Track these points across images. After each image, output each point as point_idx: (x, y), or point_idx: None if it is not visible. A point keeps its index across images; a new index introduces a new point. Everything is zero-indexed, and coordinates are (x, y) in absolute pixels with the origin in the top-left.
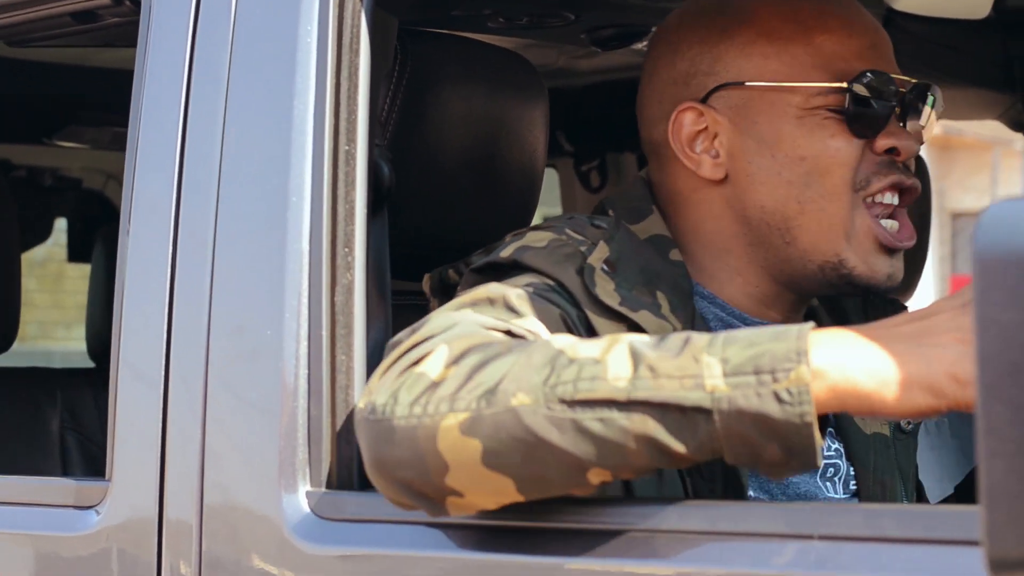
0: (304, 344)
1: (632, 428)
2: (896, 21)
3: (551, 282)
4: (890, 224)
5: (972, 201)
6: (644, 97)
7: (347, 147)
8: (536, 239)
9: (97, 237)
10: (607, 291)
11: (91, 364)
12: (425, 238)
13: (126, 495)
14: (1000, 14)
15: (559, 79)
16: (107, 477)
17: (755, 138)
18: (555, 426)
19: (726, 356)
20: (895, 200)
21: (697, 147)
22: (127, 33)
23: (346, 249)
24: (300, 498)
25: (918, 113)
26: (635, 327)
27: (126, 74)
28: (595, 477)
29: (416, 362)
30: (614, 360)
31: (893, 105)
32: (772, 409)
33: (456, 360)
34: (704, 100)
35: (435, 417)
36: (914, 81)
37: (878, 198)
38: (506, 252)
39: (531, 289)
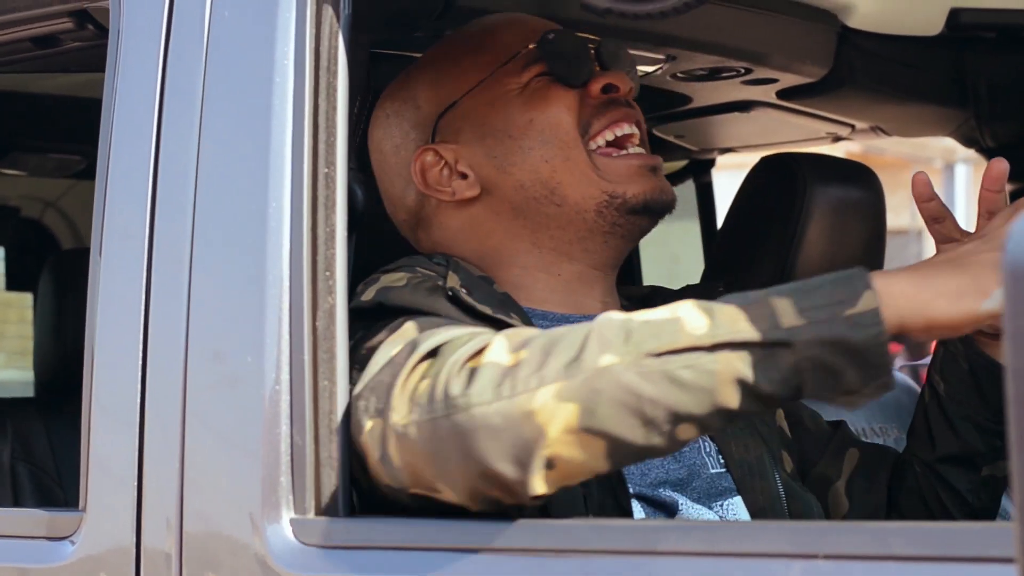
0: (286, 370)
1: (719, 370)
2: (850, 38)
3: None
4: (633, 150)
5: (892, 219)
6: (383, 183)
7: (326, 169)
8: (393, 280)
9: (45, 266)
10: (478, 306)
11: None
12: (384, 263)
13: (102, 525)
14: (952, 31)
15: None
16: (81, 507)
17: (490, 135)
18: (646, 379)
19: (794, 297)
20: (631, 130)
21: (445, 181)
22: (89, 57)
23: (327, 273)
24: (284, 526)
25: (619, 60)
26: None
27: (71, 101)
28: (684, 432)
29: (471, 357)
30: (687, 315)
31: (588, 52)
32: (849, 334)
33: (521, 346)
34: (432, 140)
35: (527, 392)
36: (596, 38)
37: (607, 135)
38: (368, 296)
39: (426, 320)
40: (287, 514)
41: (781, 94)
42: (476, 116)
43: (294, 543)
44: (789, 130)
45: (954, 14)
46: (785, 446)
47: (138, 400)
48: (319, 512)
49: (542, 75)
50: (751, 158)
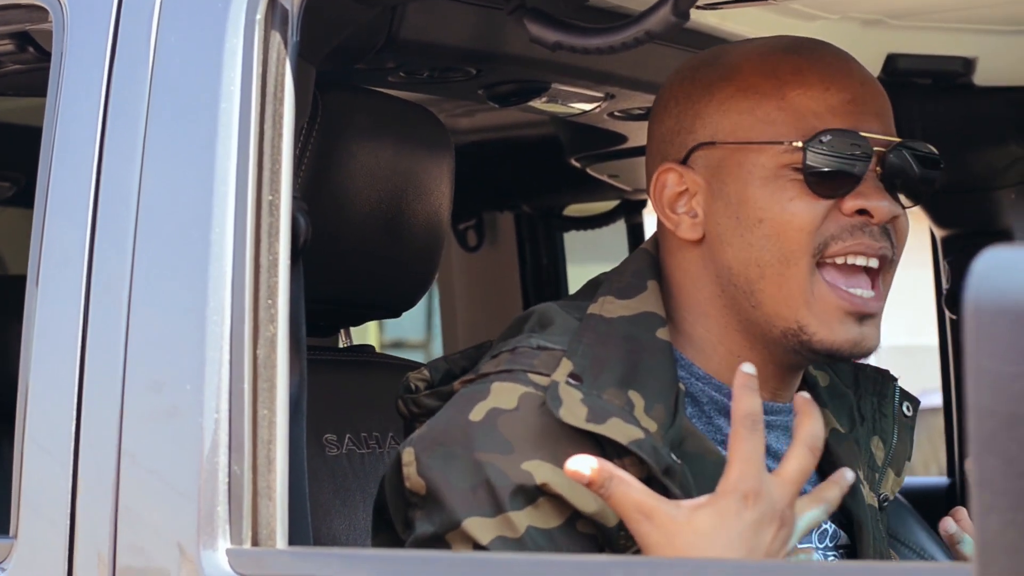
0: (225, 399)
1: None
2: None
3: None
4: (858, 290)
5: None
6: (647, 155)
7: (270, 197)
8: (504, 398)
9: None
10: (571, 409)
11: None
12: (330, 292)
13: (32, 553)
14: (890, 76)
15: None
16: (12, 534)
17: (724, 199)
18: None
19: None
20: (869, 263)
21: (679, 208)
22: (29, 81)
23: (269, 301)
24: (220, 556)
25: (904, 173)
26: (605, 441)
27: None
28: None
29: None
30: None
31: (865, 164)
32: None
33: None
34: (685, 160)
35: None
36: (898, 140)
37: (839, 260)
38: (475, 411)
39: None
40: (223, 544)
41: None
42: (723, 170)
43: (230, 574)
44: None
45: (891, 59)
46: None
47: (73, 429)
48: (256, 543)
49: (796, 170)
50: None
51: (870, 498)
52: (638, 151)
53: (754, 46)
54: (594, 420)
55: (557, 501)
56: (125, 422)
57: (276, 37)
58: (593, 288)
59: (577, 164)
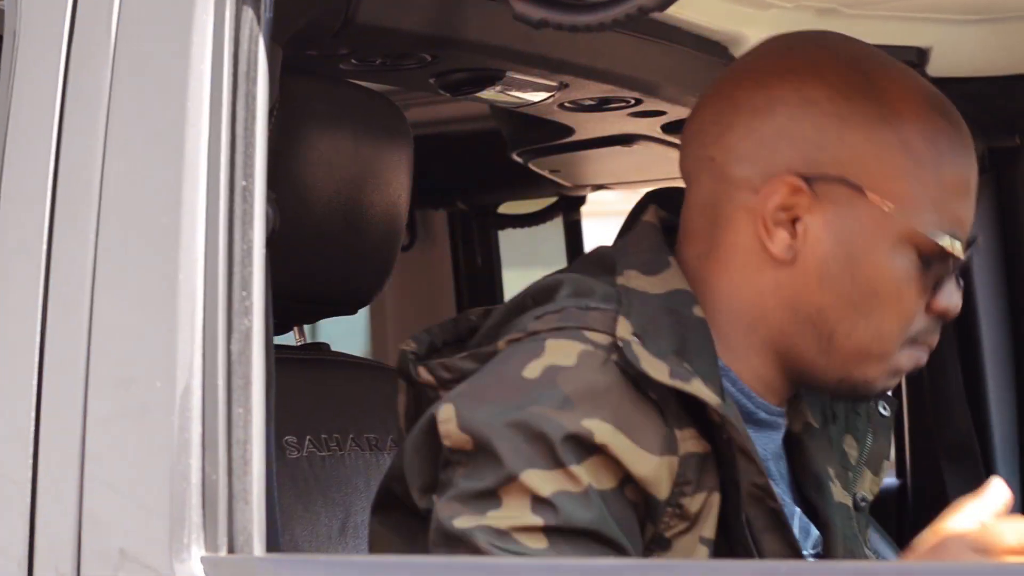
0: (197, 397)
1: None
2: None
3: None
4: (923, 353)
5: None
6: (742, 128)
7: (244, 183)
8: (562, 355)
9: None
10: (653, 365)
11: None
12: (285, 287)
13: None
14: None
15: None
16: None
17: (845, 248)
18: None
19: None
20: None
21: (778, 218)
22: None
23: (244, 292)
24: (194, 564)
25: (967, 271)
26: (670, 405)
27: None
28: None
29: None
30: None
31: (959, 266)
32: None
33: None
34: (810, 180)
35: None
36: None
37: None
38: (533, 367)
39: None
40: (197, 552)
41: (666, 128)
42: (854, 218)
43: None
44: (668, 167)
45: None
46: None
47: (31, 430)
48: (232, 550)
49: (919, 255)
50: (618, 206)
51: (841, 496)
52: (584, 144)
53: (908, 89)
54: (679, 378)
55: (613, 463)
56: (89, 423)
57: (248, 13)
58: (598, 262)
59: (519, 159)
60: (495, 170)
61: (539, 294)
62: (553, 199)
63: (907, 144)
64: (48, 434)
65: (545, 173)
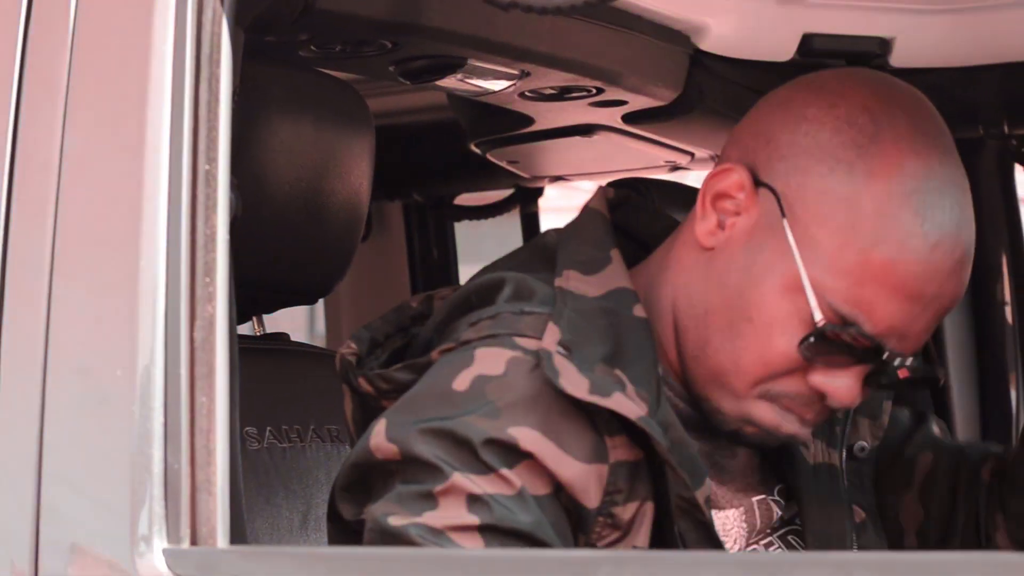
0: (159, 385)
1: None
2: (702, 61)
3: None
4: (788, 419)
5: None
6: (747, 119)
7: (207, 166)
8: (489, 364)
9: None
10: (571, 380)
11: None
12: (245, 275)
13: None
14: (804, 56)
15: None
16: None
17: (750, 260)
18: None
19: None
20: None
21: (716, 205)
22: None
23: (207, 279)
24: (156, 557)
25: (887, 373)
26: (599, 417)
27: None
28: None
29: None
30: None
31: (857, 355)
32: None
33: None
34: (757, 183)
35: None
36: (913, 365)
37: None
38: (461, 387)
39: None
40: (160, 544)
41: (627, 118)
42: (770, 235)
43: None
44: (627, 157)
45: (807, 40)
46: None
47: None
48: (195, 541)
49: (813, 323)
50: (572, 200)
51: (824, 457)
52: (543, 135)
53: (905, 163)
54: (598, 393)
55: (542, 470)
56: (47, 412)
57: None
58: (541, 254)
59: (477, 149)
60: (451, 161)
61: (482, 292)
62: (510, 191)
63: (855, 203)
64: (3, 423)
65: (503, 164)
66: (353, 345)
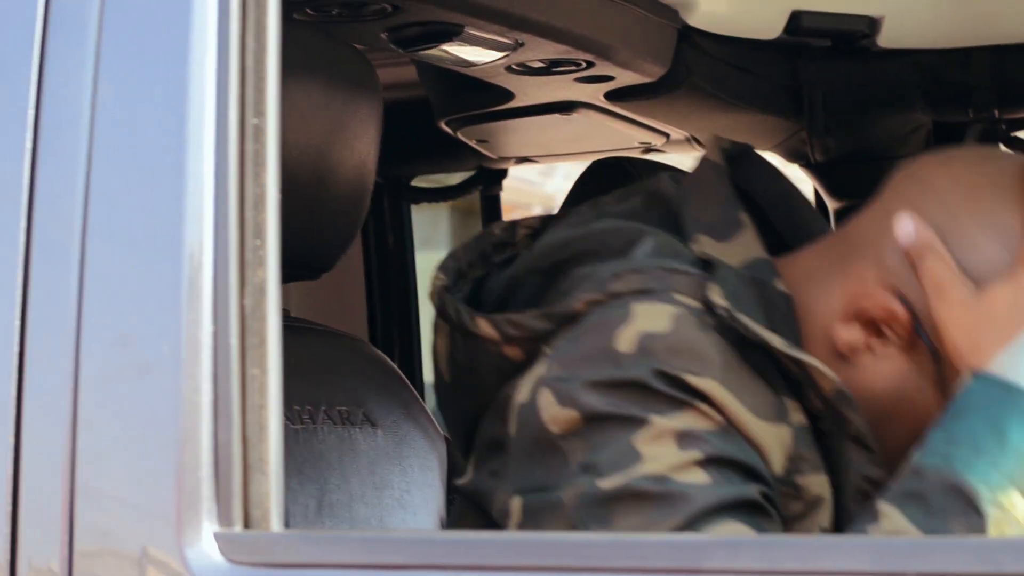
0: (208, 356)
1: None
2: (690, 37)
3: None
4: None
5: None
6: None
7: (256, 120)
8: (654, 320)
9: None
10: (764, 333)
11: None
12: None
13: None
14: (791, 34)
15: None
16: None
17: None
18: None
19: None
20: None
21: (861, 317)
22: None
23: (257, 242)
24: (206, 541)
25: None
26: (779, 375)
27: None
28: None
29: None
30: None
31: None
32: None
33: None
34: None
35: None
36: None
37: None
38: (624, 340)
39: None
40: (210, 528)
41: (609, 96)
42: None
43: (220, 562)
44: (601, 139)
45: (795, 17)
46: None
47: (12, 393)
48: (248, 525)
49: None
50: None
51: None
52: (520, 112)
53: None
54: (794, 349)
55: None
56: (81, 384)
57: None
58: (660, 206)
59: (447, 128)
60: (410, 141)
61: (610, 239)
62: (472, 172)
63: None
64: (32, 397)
65: (472, 143)
66: (442, 276)
